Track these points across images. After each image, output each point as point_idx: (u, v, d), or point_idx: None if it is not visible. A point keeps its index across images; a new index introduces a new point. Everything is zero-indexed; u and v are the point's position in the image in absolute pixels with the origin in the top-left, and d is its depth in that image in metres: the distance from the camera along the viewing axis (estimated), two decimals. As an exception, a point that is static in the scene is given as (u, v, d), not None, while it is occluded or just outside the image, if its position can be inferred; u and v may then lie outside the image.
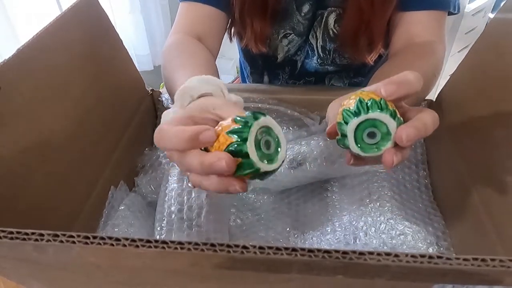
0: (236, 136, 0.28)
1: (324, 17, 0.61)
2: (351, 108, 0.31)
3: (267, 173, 0.29)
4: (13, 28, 1.13)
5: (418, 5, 0.54)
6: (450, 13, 0.56)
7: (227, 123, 0.29)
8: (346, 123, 0.31)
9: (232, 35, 0.66)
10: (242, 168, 0.28)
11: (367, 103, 0.30)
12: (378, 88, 0.31)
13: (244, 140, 0.28)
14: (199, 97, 0.35)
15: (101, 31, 0.52)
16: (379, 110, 0.30)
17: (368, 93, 0.31)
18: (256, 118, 0.29)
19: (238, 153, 0.28)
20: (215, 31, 0.59)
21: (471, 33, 1.70)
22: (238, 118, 0.29)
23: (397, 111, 0.31)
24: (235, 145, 0.28)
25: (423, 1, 0.54)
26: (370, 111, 0.30)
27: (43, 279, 0.33)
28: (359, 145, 0.31)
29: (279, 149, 0.30)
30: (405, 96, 0.31)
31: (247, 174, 0.28)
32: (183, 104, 0.35)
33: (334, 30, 0.61)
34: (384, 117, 0.30)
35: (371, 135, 0.31)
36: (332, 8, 0.60)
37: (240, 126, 0.28)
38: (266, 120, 0.29)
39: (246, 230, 0.51)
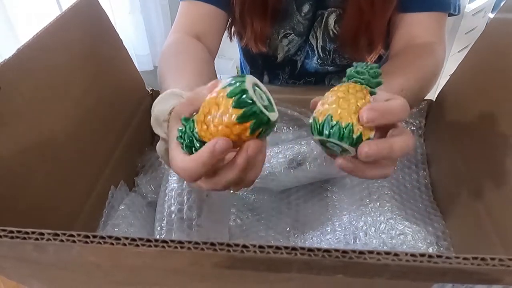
0: (251, 122, 0.28)
1: (324, 18, 0.61)
2: (319, 121, 0.31)
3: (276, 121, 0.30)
4: (13, 28, 1.13)
5: (419, 6, 0.54)
6: (450, 14, 0.56)
7: (225, 118, 0.28)
8: (312, 132, 0.32)
9: (232, 34, 0.66)
10: (265, 133, 0.29)
11: (331, 128, 0.30)
12: (363, 110, 0.30)
13: (267, 122, 0.28)
14: (170, 114, 0.36)
15: (101, 31, 0.52)
16: (338, 139, 0.30)
17: (343, 109, 0.30)
18: (254, 103, 0.28)
19: (260, 126, 0.28)
20: (215, 29, 0.60)
21: (471, 33, 1.70)
22: (236, 105, 0.27)
23: (363, 136, 0.30)
24: (256, 124, 0.28)
25: (424, 3, 0.54)
26: (330, 137, 0.30)
27: (43, 279, 0.33)
28: (323, 147, 0.33)
29: (269, 97, 0.31)
30: (386, 124, 0.31)
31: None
32: (165, 130, 0.36)
33: (334, 31, 0.61)
34: (343, 144, 0.30)
35: (333, 146, 0.31)
36: (332, 9, 0.60)
37: (245, 109, 0.27)
38: (250, 83, 0.29)
39: (246, 230, 0.51)
